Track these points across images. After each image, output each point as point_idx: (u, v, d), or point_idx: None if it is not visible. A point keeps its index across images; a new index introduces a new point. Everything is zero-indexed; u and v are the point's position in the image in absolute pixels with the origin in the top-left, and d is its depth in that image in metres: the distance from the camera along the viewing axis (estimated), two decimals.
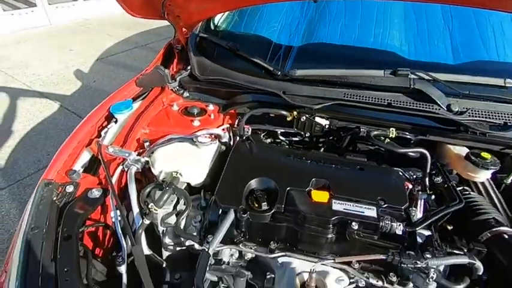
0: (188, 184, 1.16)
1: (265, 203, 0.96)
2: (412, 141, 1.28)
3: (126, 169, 1.15)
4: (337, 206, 0.93)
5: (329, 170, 1.06)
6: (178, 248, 1.08)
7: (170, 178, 1.07)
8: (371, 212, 0.91)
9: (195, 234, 1.02)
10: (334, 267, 0.93)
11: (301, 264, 0.92)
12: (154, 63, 1.63)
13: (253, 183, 1.01)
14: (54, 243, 0.89)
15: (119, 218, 1.00)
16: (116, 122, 1.39)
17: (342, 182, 1.01)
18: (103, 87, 4.14)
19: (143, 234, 1.02)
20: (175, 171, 1.08)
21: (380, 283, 0.88)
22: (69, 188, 1.07)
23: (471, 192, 1.12)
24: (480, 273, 0.84)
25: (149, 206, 0.99)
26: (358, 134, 1.30)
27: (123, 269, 0.90)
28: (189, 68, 1.59)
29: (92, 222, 1.09)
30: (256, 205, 0.97)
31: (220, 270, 0.97)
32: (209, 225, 0.99)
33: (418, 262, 0.81)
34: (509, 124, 1.17)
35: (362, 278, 0.89)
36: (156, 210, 0.99)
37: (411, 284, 0.89)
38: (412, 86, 1.26)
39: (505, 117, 1.20)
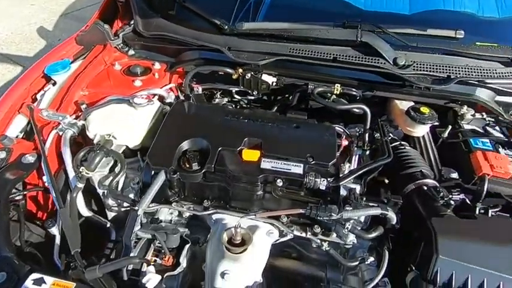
0: (127, 147, 1.15)
1: (196, 163, 0.96)
2: (358, 98, 1.27)
3: (61, 133, 1.12)
4: (266, 164, 0.94)
5: (264, 129, 1.05)
6: (122, 209, 1.10)
7: (103, 141, 1.05)
8: (298, 169, 0.93)
9: (132, 195, 1.03)
10: (264, 222, 0.97)
11: (231, 220, 0.96)
12: (95, 18, 1.50)
13: (186, 144, 1.00)
14: None
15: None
16: (54, 84, 1.32)
17: (274, 141, 1.00)
18: None
19: (80, 196, 1.03)
20: (109, 134, 1.06)
21: (303, 234, 0.93)
22: (1, 154, 1.05)
23: (406, 147, 1.14)
24: (393, 223, 0.88)
25: (80, 170, 0.98)
26: (306, 90, 1.27)
27: (54, 230, 0.92)
28: (132, 23, 1.48)
29: (31, 187, 1.09)
30: (188, 166, 0.97)
31: (154, 228, 1.00)
32: (143, 187, 1.00)
33: (332, 215, 0.84)
34: (451, 77, 1.15)
35: (287, 230, 0.93)
36: (88, 174, 0.99)
37: (334, 234, 0.94)
38: (359, 39, 1.20)
39: (449, 70, 1.18)
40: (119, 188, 1.06)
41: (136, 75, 1.32)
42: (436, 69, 1.19)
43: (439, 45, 1.22)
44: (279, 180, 0.91)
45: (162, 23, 1.41)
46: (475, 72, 1.17)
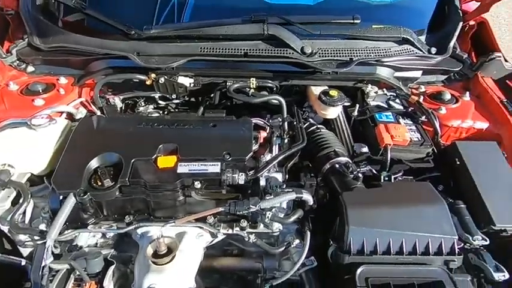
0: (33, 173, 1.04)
1: (108, 179, 0.91)
2: (275, 89, 1.30)
3: None
4: (182, 168, 0.92)
5: (179, 133, 1.03)
6: (38, 242, 1.00)
7: None
8: (215, 168, 0.93)
9: (43, 226, 0.94)
10: (193, 226, 0.95)
11: (156, 232, 0.93)
12: None
13: (95, 161, 0.94)
14: None
15: None
16: None
17: (190, 144, 0.99)
18: None
19: None
20: (3, 163, 0.95)
21: (230, 231, 0.93)
22: None
23: (322, 130, 1.20)
24: (310, 204, 0.93)
25: None
26: (225, 88, 1.27)
27: None
28: (26, 37, 1.34)
29: None
30: (100, 183, 0.91)
31: (75, 256, 0.92)
32: (53, 214, 0.92)
33: (251, 207, 0.86)
34: (353, 60, 1.23)
35: (213, 230, 0.93)
36: None
37: (261, 225, 0.96)
38: (266, 32, 1.23)
39: (351, 53, 1.27)
40: (27, 220, 0.96)
41: (37, 93, 1.20)
42: (340, 53, 1.27)
43: (340, 31, 1.31)
44: (196, 183, 0.90)
45: (61, 33, 1.29)
46: (374, 52, 1.28)
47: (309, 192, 0.94)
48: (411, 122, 1.19)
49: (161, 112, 1.38)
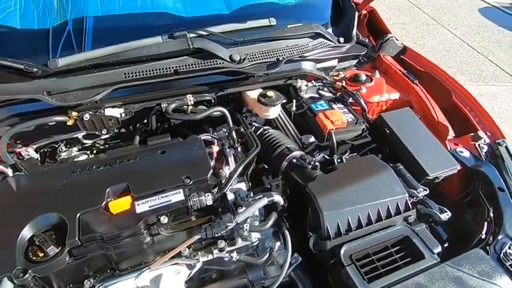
0: None
1: (53, 246, 0.76)
2: (213, 101, 1.29)
3: None
4: (142, 207, 0.84)
5: (127, 169, 0.93)
6: None
7: None
8: (178, 196, 0.86)
9: None
10: (167, 266, 0.87)
11: (129, 286, 0.82)
12: None
13: (27, 229, 0.77)
14: None
15: None
16: None
17: (142, 178, 0.90)
18: None
19: None
20: None
21: (211, 256, 0.88)
22: None
23: (269, 130, 1.24)
24: (282, 204, 0.95)
25: None
26: (161, 111, 1.20)
27: None
28: None
29: None
30: (42, 254, 0.76)
31: None
32: None
33: (228, 225, 0.83)
34: (280, 60, 1.30)
35: (192, 261, 0.87)
36: None
37: (239, 240, 0.93)
38: (191, 46, 1.20)
39: (276, 53, 1.33)
40: None
41: None
42: (266, 56, 1.32)
43: (261, 35, 1.36)
44: (162, 218, 0.82)
45: None
46: (295, 50, 1.37)
47: (277, 193, 0.95)
48: (342, 106, 1.32)
49: (89, 153, 1.22)
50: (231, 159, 1.09)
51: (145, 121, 1.30)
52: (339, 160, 1.06)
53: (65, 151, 1.21)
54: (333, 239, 0.88)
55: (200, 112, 1.19)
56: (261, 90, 1.35)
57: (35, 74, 1.08)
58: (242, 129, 1.21)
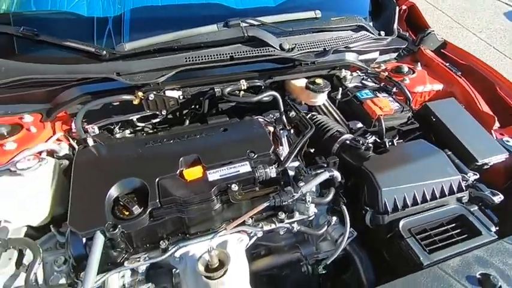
0: (30, 226, 0.88)
1: (136, 206, 0.83)
2: (263, 87, 1.35)
3: None
4: (213, 175, 0.90)
5: (195, 143, 1.00)
6: None
7: None
8: (245, 167, 0.92)
9: (63, 280, 0.81)
10: (233, 232, 0.92)
11: (196, 249, 0.88)
12: None
13: (114, 190, 0.85)
14: None
15: None
16: None
17: (210, 150, 0.97)
18: None
19: None
20: None
21: (273, 225, 0.94)
22: None
23: (317, 116, 1.29)
24: (339, 180, 1.00)
25: None
26: (214, 95, 1.27)
27: None
28: None
29: None
30: (127, 213, 0.83)
31: None
32: (77, 262, 0.80)
33: (295, 195, 0.88)
34: (327, 49, 1.36)
35: (256, 230, 0.92)
36: None
37: (297, 213, 0.98)
38: (246, 34, 1.27)
39: (322, 44, 1.39)
40: (40, 281, 0.81)
41: (3, 137, 1.02)
42: (313, 45, 1.38)
43: (307, 26, 1.42)
44: (233, 185, 0.88)
45: (16, 66, 1.13)
46: (340, 41, 1.42)
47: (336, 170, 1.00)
48: (386, 95, 1.36)
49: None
50: (284, 140, 1.15)
51: (192, 106, 1.37)
52: (390, 143, 1.10)
53: (118, 132, 1.29)
54: (390, 213, 0.92)
55: (254, 96, 1.25)
56: (304, 79, 1.40)
57: (103, 56, 1.17)
58: (291, 114, 1.26)
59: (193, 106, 1.37)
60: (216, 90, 1.27)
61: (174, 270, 0.96)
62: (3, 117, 1.11)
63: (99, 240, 0.77)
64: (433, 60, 1.54)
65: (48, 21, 1.27)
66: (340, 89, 1.38)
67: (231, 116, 1.29)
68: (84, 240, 0.79)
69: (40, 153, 1.01)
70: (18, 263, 0.80)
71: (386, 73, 1.46)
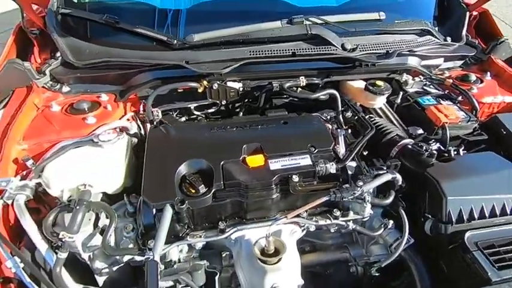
0: (104, 194, 0.97)
1: (203, 185, 0.88)
2: (320, 85, 1.35)
3: (9, 202, 0.87)
4: (275, 165, 0.92)
5: (257, 132, 1.03)
6: (114, 268, 0.92)
7: (78, 194, 0.86)
8: (306, 160, 0.94)
9: (131, 246, 0.88)
10: (284, 223, 0.94)
11: (254, 233, 0.90)
12: (4, 58, 1.23)
13: (183, 168, 0.91)
14: None
15: (21, 265, 0.77)
16: None
17: (272, 141, 0.99)
18: None
19: (63, 270, 0.83)
20: (83, 183, 0.88)
21: (328, 221, 0.94)
22: None
23: (375, 118, 1.27)
24: (400, 183, 0.97)
25: (60, 236, 0.79)
26: (272, 89, 1.29)
27: None
28: (59, 55, 1.26)
29: None
30: (193, 191, 0.88)
31: (173, 272, 0.87)
32: (146, 230, 0.86)
33: (355, 192, 0.88)
34: (390, 52, 1.33)
35: (311, 223, 0.93)
36: (72, 238, 0.79)
37: (351, 212, 0.98)
38: (309, 32, 1.29)
39: (385, 46, 1.36)
40: (112, 243, 0.89)
41: (83, 112, 1.13)
42: (375, 47, 1.36)
43: (370, 27, 1.40)
44: (294, 177, 0.90)
45: (98, 49, 1.24)
46: (403, 44, 1.38)
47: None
48: (450, 103, 1.29)
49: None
50: (341, 139, 1.14)
51: (246, 99, 1.40)
52: (455, 152, 1.05)
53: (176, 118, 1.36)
54: (455, 224, 0.88)
55: (314, 93, 1.26)
56: (360, 81, 1.38)
57: (174, 45, 1.25)
58: (347, 114, 1.25)
59: (246, 99, 1.41)
60: (274, 84, 1.29)
61: (223, 253, 1.00)
62: (83, 95, 1.23)
63: (168, 213, 0.83)
64: (505, 70, 1.44)
65: (122, 10, 1.38)
66: (401, 93, 1.34)
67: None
68: (154, 211, 0.86)
69: (115, 129, 1.10)
70: (95, 224, 0.88)
71: (451, 80, 1.39)
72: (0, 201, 0.86)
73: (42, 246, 0.82)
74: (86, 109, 1.14)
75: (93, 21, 1.28)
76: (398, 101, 1.35)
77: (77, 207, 0.82)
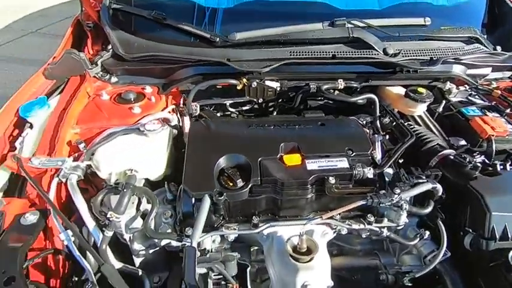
0: (146, 180, 1.03)
1: (240, 179, 0.90)
2: (357, 89, 1.34)
3: (63, 180, 0.95)
4: (311, 165, 0.93)
5: (294, 132, 1.04)
6: (151, 251, 0.98)
7: (125, 178, 0.92)
8: (343, 163, 0.94)
9: (169, 231, 0.92)
10: (317, 224, 0.95)
11: (287, 230, 0.92)
12: (62, 47, 1.33)
13: (222, 161, 0.94)
14: None
15: (73, 239, 0.84)
16: (31, 127, 1.12)
17: (309, 141, 1.00)
18: None
19: (108, 248, 0.89)
20: (129, 168, 0.94)
21: (362, 225, 0.93)
22: None
23: (414, 126, 1.23)
24: (440, 194, 0.95)
25: (108, 216, 0.84)
26: (308, 91, 1.30)
27: None
28: (110, 48, 1.35)
29: (36, 253, 0.89)
30: (231, 184, 0.91)
31: (207, 260, 0.91)
32: (184, 218, 0.90)
33: (393, 199, 0.87)
34: (434, 59, 1.29)
35: (344, 226, 0.93)
36: (118, 218, 0.85)
37: (386, 219, 0.96)
38: (351, 35, 1.28)
39: (430, 52, 1.32)
40: (152, 227, 0.94)
41: (130, 101, 1.20)
42: (419, 53, 1.32)
43: (414, 32, 1.37)
44: (331, 178, 0.90)
45: (145, 43, 1.31)
46: (449, 52, 1.34)
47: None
48: (498, 115, 1.23)
49: None
50: (378, 145, 1.12)
51: (280, 100, 1.42)
52: (501, 167, 1.00)
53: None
54: (498, 241, 0.84)
55: (352, 96, 1.25)
56: (400, 87, 1.35)
57: (217, 43, 1.29)
58: (384, 120, 1.23)
59: (281, 99, 1.42)
60: (311, 86, 1.30)
61: (251, 247, 1.03)
62: (130, 86, 1.30)
63: (207, 203, 0.86)
64: None
65: (167, 7, 1.44)
66: (443, 102, 1.30)
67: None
68: (193, 200, 0.89)
69: (159, 120, 1.16)
70: (137, 208, 0.94)
71: (499, 92, 1.32)
72: (56, 178, 0.94)
73: (90, 223, 0.89)
74: (132, 99, 1.21)
75: (142, 17, 1.35)
76: (440, 109, 1.30)
77: (124, 190, 0.87)
